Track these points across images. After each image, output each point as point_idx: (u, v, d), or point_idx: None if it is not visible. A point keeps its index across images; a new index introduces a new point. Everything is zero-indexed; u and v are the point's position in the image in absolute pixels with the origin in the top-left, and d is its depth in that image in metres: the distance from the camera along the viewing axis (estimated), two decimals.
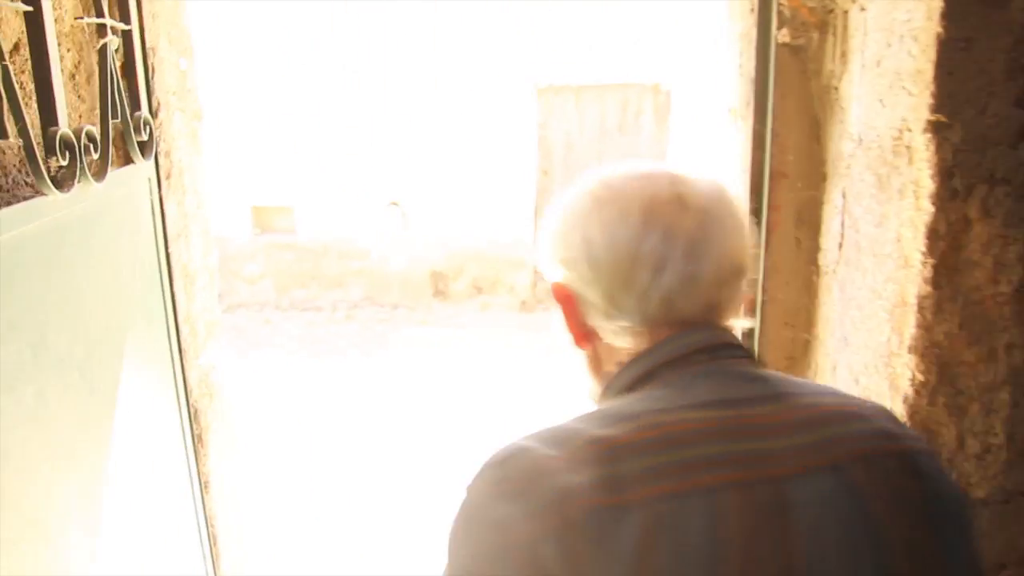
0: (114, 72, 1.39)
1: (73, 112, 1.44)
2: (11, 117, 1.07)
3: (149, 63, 1.59)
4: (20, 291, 1.08)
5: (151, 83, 1.59)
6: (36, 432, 1.12)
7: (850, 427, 0.74)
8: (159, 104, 1.63)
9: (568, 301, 0.83)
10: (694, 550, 0.65)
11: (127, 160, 1.50)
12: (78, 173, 1.21)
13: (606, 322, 0.80)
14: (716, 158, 1.92)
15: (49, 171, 1.23)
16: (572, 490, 0.67)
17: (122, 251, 1.45)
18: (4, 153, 1.15)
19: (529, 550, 0.65)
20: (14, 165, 1.18)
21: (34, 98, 1.21)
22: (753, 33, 1.57)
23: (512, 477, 0.70)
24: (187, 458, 1.74)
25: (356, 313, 8.59)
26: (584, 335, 0.84)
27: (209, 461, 1.85)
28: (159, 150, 1.64)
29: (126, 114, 1.44)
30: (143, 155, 1.52)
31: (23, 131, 1.09)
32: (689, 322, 0.78)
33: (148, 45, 1.58)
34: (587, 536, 0.65)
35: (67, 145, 1.19)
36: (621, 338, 0.80)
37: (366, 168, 8.50)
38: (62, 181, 1.19)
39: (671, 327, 0.78)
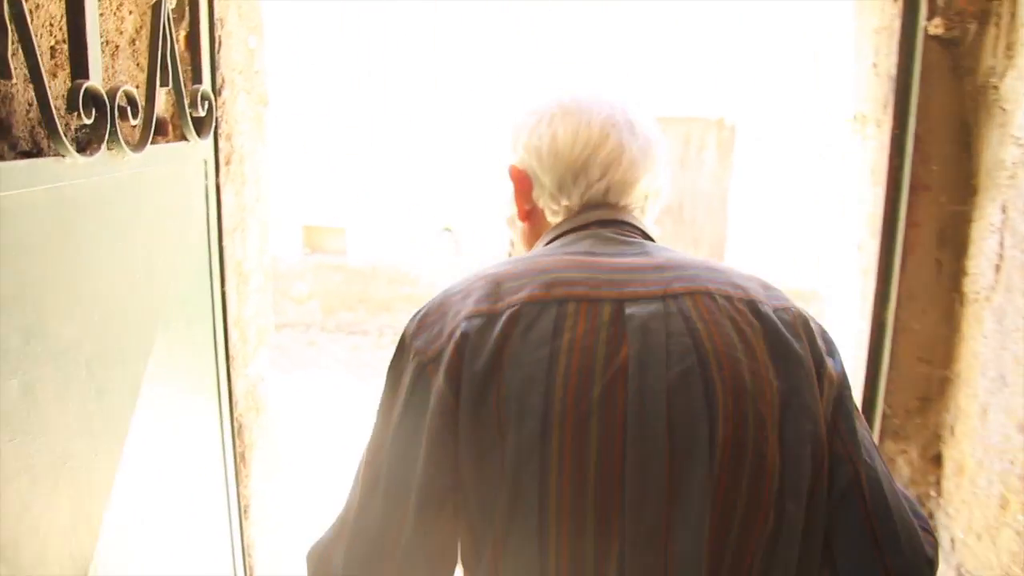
0: (169, 34, 1.23)
1: (129, 80, 1.29)
2: (21, 55, 0.91)
3: (215, 35, 1.44)
4: (10, 262, 0.91)
5: (216, 57, 1.44)
6: (19, 435, 0.95)
7: (699, 274, 0.90)
8: (223, 81, 1.48)
9: (523, 181, 1.03)
10: (541, 339, 0.83)
11: (180, 137, 1.34)
12: (107, 137, 1.04)
13: (551, 202, 1.01)
14: (834, 171, 1.70)
15: (69, 129, 1.07)
16: (461, 309, 0.87)
17: (162, 237, 1.28)
18: (11, 100, 0.99)
19: (435, 363, 0.85)
20: (27, 116, 1.02)
21: (65, 48, 1.06)
22: (896, 25, 1.37)
23: (424, 313, 0.90)
24: (226, 478, 1.56)
25: None
26: (527, 212, 1.04)
27: (251, 482, 1.67)
28: (219, 131, 1.48)
29: (180, 84, 1.28)
30: (199, 133, 1.36)
31: (35, 73, 0.93)
32: (603, 203, 0.99)
33: (216, 16, 1.44)
34: (469, 342, 0.84)
35: (95, 102, 1.02)
36: (556, 215, 1.01)
37: (420, 192, 8.41)
38: (85, 143, 1.03)
39: (590, 207, 0.99)
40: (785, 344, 0.87)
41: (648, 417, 0.82)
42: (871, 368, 1.47)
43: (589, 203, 0.99)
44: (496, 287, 0.88)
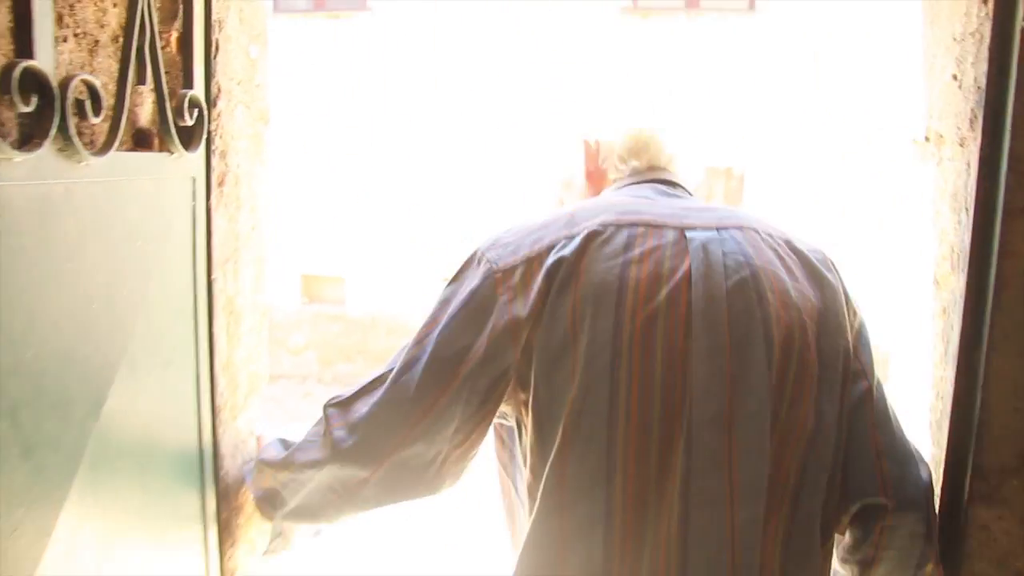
0: (149, 22, 1.06)
1: (110, 81, 1.12)
2: None
3: (212, 38, 1.27)
4: None
5: (212, 63, 1.27)
6: None
7: (745, 216, 1.09)
8: (219, 90, 1.30)
9: (593, 147, 1.26)
10: (614, 251, 0.98)
11: (162, 147, 1.16)
12: (53, 133, 0.85)
13: (619, 163, 1.23)
14: (900, 196, 1.52)
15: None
16: (542, 236, 1.01)
17: (132, 263, 1.09)
18: None
19: (507, 277, 0.99)
20: None
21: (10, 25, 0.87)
22: (986, 30, 1.20)
23: (498, 236, 1.05)
24: (206, 550, 1.34)
25: None
26: (591, 172, 1.27)
27: (237, 554, 1.45)
28: (213, 147, 1.31)
29: (162, 84, 1.10)
30: (187, 145, 1.18)
31: None
32: (661, 167, 1.22)
33: (213, 16, 1.27)
34: (550, 260, 0.98)
35: (38, 86, 0.83)
36: (620, 174, 1.23)
37: (421, 241, 8.25)
38: (21, 137, 0.84)
39: (653, 168, 1.22)
40: (819, 273, 1.05)
41: (711, 316, 0.94)
42: (958, 422, 1.27)
43: (652, 165, 1.20)
44: (571, 218, 1.03)
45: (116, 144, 0.97)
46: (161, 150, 1.16)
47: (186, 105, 1.16)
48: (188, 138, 1.18)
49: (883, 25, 6.96)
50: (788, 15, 7.21)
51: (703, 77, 7.29)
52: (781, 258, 1.03)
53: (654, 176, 1.19)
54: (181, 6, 1.22)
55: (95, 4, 1.09)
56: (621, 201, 1.08)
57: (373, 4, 8.00)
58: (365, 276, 8.53)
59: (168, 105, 1.11)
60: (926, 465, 1.14)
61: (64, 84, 0.87)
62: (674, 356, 0.94)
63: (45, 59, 0.85)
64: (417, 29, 7.86)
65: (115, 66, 1.12)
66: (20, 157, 0.81)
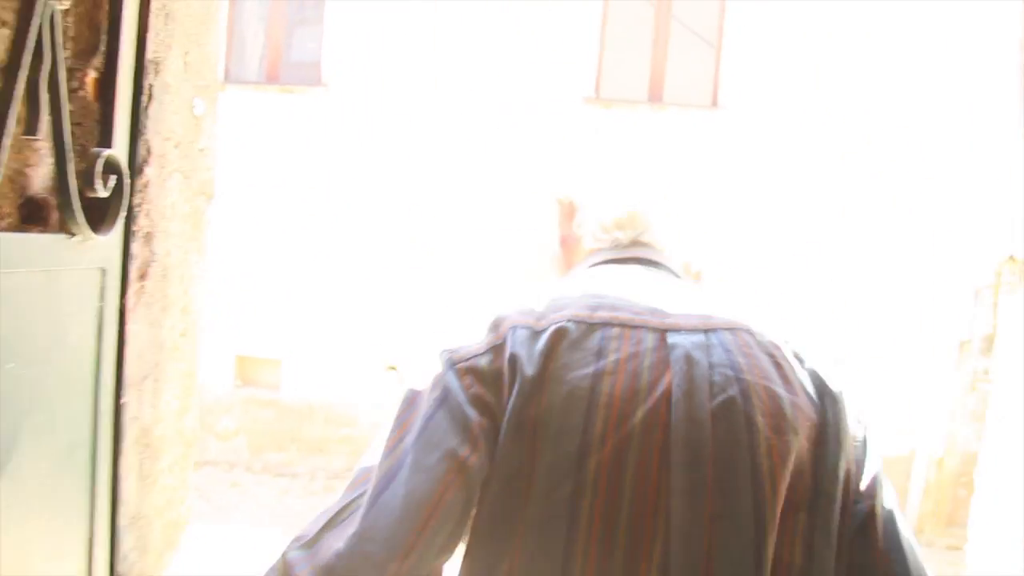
0: (50, 52, 0.74)
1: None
2: None
3: (145, 83, 0.94)
4: None
5: (142, 115, 0.94)
6: None
7: (738, 314, 0.93)
8: (149, 153, 0.97)
9: (569, 209, 1.12)
10: (584, 358, 0.84)
11: (62, 227, 0.82)
12: None
13: (599, 232, 1.07)
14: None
15: None
16: (503, 321, 0.87)
17: (6, 383, 0.73)
18: None
19: (470, 365, 0.85)
20: None
21: None
22: None
23: (467, 322, 0.91)
24: None
25: (336, 484, 7.64)
26: (563, 238, 1.13)
27: None
28: (135, 229, 0.97)
29: (64, 139, 0.77)
30: (96, 225, 0.84)
31: None
32: (645, 243, 1.06)
33: (149, 55, 0.95)
34: (512, 353, 0.84)
35: None
36: (599, 243, 1.07)
37: (364, 328, 7.86)
38: None
39: (636, 244, 1.06)
40: (821, 381, 0.91)
41: (692, 446, 0.83)
42: None
43: (637, 241, 1.05)
44: (537, 304, 0.90)
45: None
46: (60, 230, 0.82)
47: (99, 169, 0.82)
48: (100, 215, 0.84)
49: (848, 122, 7.03)
50: (751, 111, 7.23)
51: (665, 170, 7.20)
52: (778, 364, 0.90)
53: (637, 254, 1.05)
54: (105, 38, 0.90)
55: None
56: (595, 288, 0.94)
57: (329, 79, 7.80)
58: (303, 360, 8.07)
59: (71, 168, 0.77)
60: None
61: None
62: (646, 491, 0.83)
63: None
64: (374, 107, 7.67)
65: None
66: None
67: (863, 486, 0.92)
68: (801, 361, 0.92)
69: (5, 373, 0.75)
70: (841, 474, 0.89)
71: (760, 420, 0.86)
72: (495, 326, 0.88)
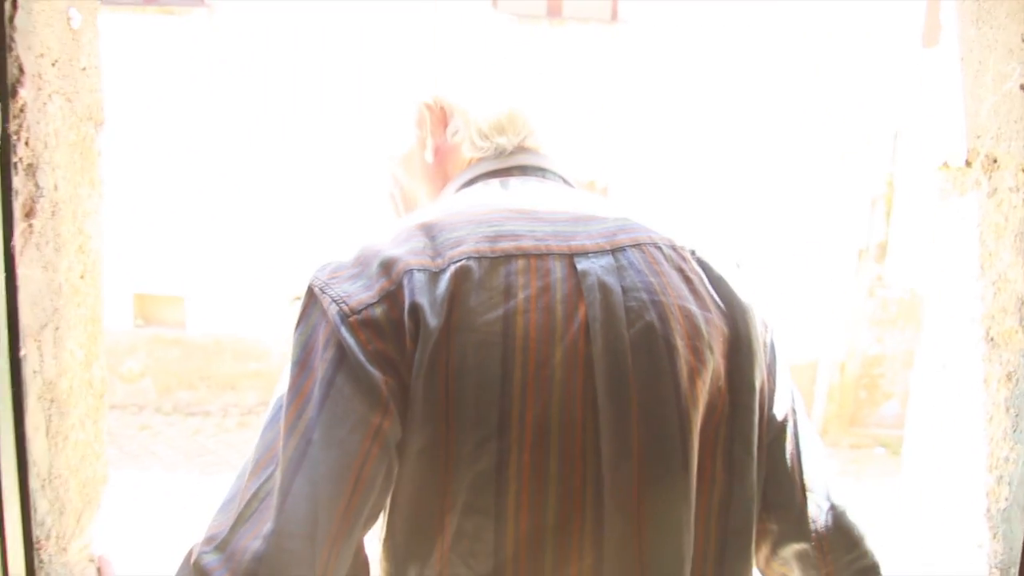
0: None
1: None
2: None
3: None
4: None
5: (7, 27, 0.82)
6: None
7: (641, 224, 0.88)
8: (21, 72, 0.85)
9: (439, 116, 0.99)
10: (492, 299, 0.77)
11: None
12: None
13: (478, 139, 0.96)
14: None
15: None
16: (395, 261, 0.77)
17: None
18: None
19: (364, 317, 0.75)
20: None
21: None
22: None
23: (336, 264, 0.79)
24: None
25: (250, 420, 7.51)
26: (436, 148, 0.99)
27: None
28: (15, 160, 0.85)
29: None
30: None
31: None
32: (530, 149, 0.98)
33: None
34: (412, 298, 0.75)
35: None
36: (479, 152, 0.97)
37: (268, 259, 7.61)
38: None
39: (521, 151, 0.97)
40: (729, 290, 0.88)
41: (615, 378, 0.80)
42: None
43: (522, 146, 0.97)
44: (431, 239, 0.81)
45: None
46: None
47: None
48: None
49: (748, 33, 7.06)
50: (650, 24, 7.18)
51: (565, 85, 7.13)
52: (688, 279, 0.86)
53: (525, 162, 0.96)
54: None
55: None
56: (490, 212, 0.85)
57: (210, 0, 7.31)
58: (207, 295, 7.79)
59: None
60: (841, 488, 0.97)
61: None
62: (573, 434, 0.79)
63: None
64: (256, 27, 7.25)
65: None
66: None
67: (775, 394, 0.92)
68: (707, 269, 0.89)
69: None
70: (757, 384, 0.88)
71: (679, 343, 0.82)
72: (385, 268, 0.77)
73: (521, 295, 0.78)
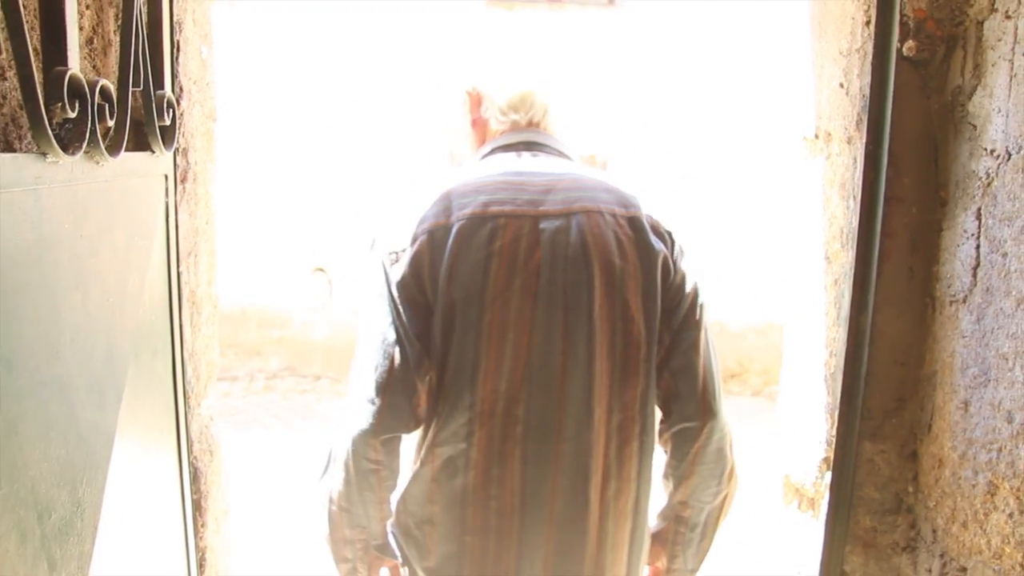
0: (141, 29, 1.11)
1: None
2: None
3: (175, 39, 1.31)
4: None
5: (176, 63, 1.31)
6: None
7: (596, 195, 1.27)
8: (181, 90, 1.35)
9: (476, 98, 1.42)
10: (480, 244, 1.20)
11: (145, 146, 1.21)
12: (87, 136, 0.91)
13: (499, 115, 1.38)
14: (787, 187, 1.75)
15: (52, 123, 0.93)
16: (425, 220, 1.23)
17: (132, 258, 1.14)
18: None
19: (408, 259, 1.22)
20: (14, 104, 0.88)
21: (37, 28, 0.92)
22: (868, 48, 1.43)
23: (392, 218, 1.26)
24: (185, 529, 1.39)
25: (275, 384, 8.04)
26: (474, 120, 1.42)
27: (207, 533, 1.50)
28: (178, 146, 1.35)
29: (151, 86, 1.15)
30: (164, 144, 1.23)
31: (20, 54, 0.79)
32: (532, 125, 1.38)
33: (176, 18, 1.31)
34: (431, 244, 1.21)
35: (77, 93, 0.89)
36: (501, 125, 1.38)
37: (291, 232, 8.09)
38: (67, 141, 0.89)
39: (525, 128, 1.38)
40: (648, 244, 1.25)
41: (552, 298, 1.21)
42: (849, 373, 1.51)
43: (531, 121, 1.37)
44: (449, 203, 1.24)
45: (123, 144, 1.02)
46: (147, 149, 1.21)
47: (164, 106, 1.21)
48: (165, 137, 1.23)
49: (745, 17, 7.43)
50: (648, 8, 7.56)
51: (567, 68, 7.54)
52: (618, 239, 1.23)
53: (530, 139, 1.35)
54: (146, 6, 1.26)
55: (95, 9, 1.12)
56: (487, 185, 1.25)
57: None
58: (234, 267, 8.29)
59: (154, 106, 1.16)
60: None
61: (92, 88, 0.92)
62: (522, 326, 1.21)
63: (75, 65, 0.90)
64: (286, 26, 7.68)
65: (89, 67, 1.16)
66: (66, 160, 0.86)
67: (687, 316, 1.29)
68: (637, 229, 1.25)
69: (135, 246, 1.14)
70: (658, 312, 1.25)
71: (596, 282, 1.21)
72: (421, 222, 1.22)
73: (499, 242, 1.20)
